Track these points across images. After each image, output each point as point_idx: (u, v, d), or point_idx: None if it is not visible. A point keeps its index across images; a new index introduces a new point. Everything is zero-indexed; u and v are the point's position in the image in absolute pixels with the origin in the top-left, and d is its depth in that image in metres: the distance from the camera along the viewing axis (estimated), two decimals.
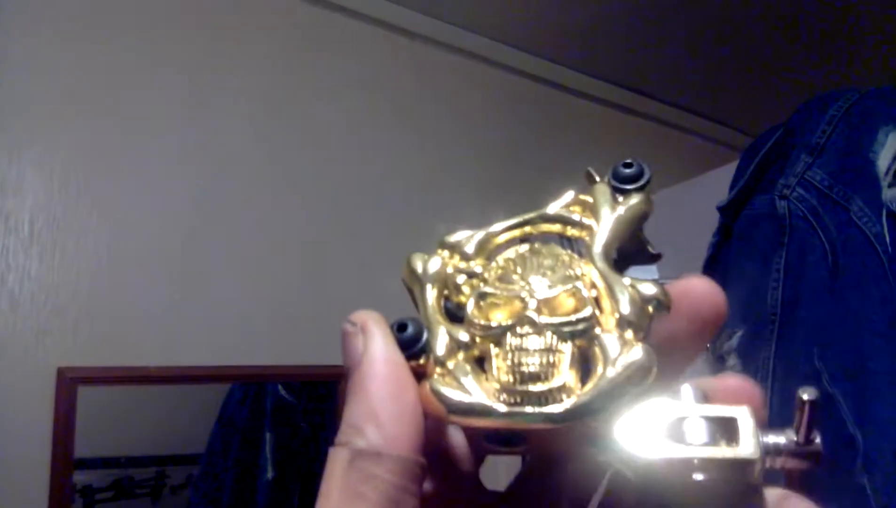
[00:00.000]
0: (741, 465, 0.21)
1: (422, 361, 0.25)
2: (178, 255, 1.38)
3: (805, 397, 0.21)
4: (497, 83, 1.94)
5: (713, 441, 0.21)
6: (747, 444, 0.21)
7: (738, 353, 0.82)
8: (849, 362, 0.66)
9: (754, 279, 0.84)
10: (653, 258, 0.28)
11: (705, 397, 0.23)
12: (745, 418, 0.22)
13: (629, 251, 0.27)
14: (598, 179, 0.28)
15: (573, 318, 0.24)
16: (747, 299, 0.84)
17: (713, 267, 0.95)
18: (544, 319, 0.24)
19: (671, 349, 0.24)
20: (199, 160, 1.44)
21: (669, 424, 0.22)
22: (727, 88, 2.16)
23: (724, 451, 0.21)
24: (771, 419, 0.24)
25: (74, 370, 1.20)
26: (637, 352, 0.22)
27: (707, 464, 0.21)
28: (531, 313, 0.24)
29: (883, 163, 0.77)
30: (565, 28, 1.89)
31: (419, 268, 0.27)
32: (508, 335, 0.24)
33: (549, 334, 0.23)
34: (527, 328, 0.24)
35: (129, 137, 1.36)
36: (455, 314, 0.26)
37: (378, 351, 0.24)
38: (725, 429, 0.22)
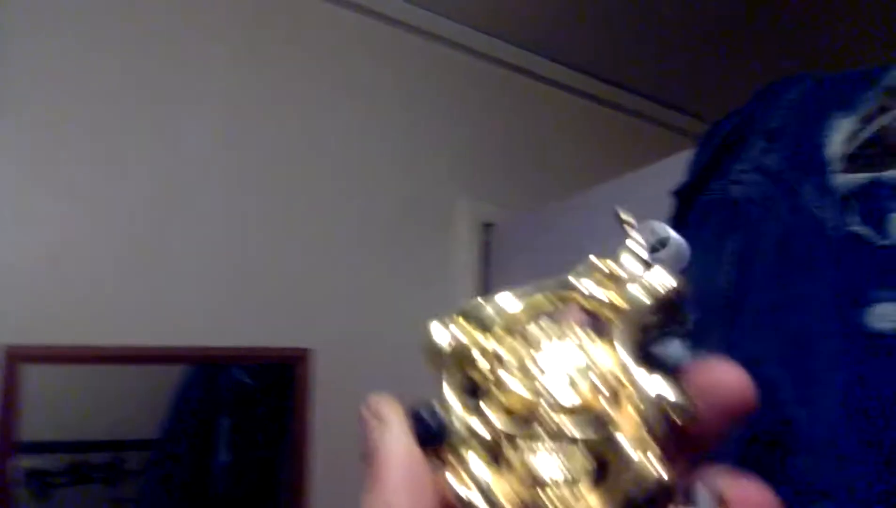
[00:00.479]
0: None
1: (439, 447, 0.25)
2: (134, 232, 1.36)
3: None
4: (461, 67, 1.93)
5: None
6: None
7: (692, 338, 0.82)
8: (795, 345, 0.67)
9: (707, 264, 0.84)
10: (683, 329, 0.26)
11: (720, 501, 0.22)
12: None
13: (661, 320, 0.26)
14: (626, 218, 0.27)
15: (590, 426, 0.23)
16: (700, 284, 0.84)
17: None
18: (560, 423, 0.23)
19: (692, 437, 0.23)
20: (155, 140, 1.41)
21: None
22: (693, 78, 2.17)
23: None
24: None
25: (21, 349, 1.17)
26: (660, 471, 0.21)
27: None
28: (546, 418, 0.23)
29: (834, 148, 0.77)
30: (532, 13, 1.88)
31: (439, 345, 0.27)
32: (523, 438, 0.24)
33: (564, 440, 0.23)
34: (542, 435, 0.23)
35: (85, 116, 1.34)
36: (474, 391, 0.26)
37: (394, 444, 0.25)
38: None
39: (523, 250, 1.72)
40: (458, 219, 1.77)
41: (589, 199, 1.56)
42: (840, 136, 0.78)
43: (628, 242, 0.26)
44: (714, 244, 0.85)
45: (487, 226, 1.79)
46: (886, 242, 0.66)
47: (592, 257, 0.26)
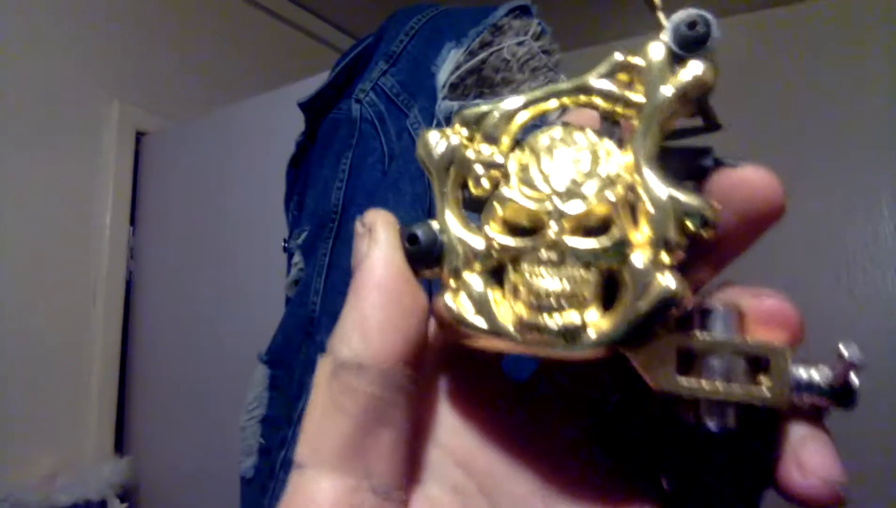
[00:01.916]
0: (764, 409, 0.20)
1: (435, 268, 0.23)
2: None
3: (847, 355, 0.19)
4: None
5: (739, 379, 0.20)
6: (776, 389, 0.19)
7: (302, 250, 0.83)
8: None
9: (326, 180, 0.85)
10: (712, 129, 0.23)
11: (740, 316, 0.20)
12: (778, 359, 0.20)
13: (689, 120, 0.22)
14: (658, 4, 0.22)
15: (602, 242, 0.20)
16: (318, 199, 0.86)
17: (297, 166, 0.95)
18: (569, 240, 0.21)
19: (715, 247, 0.21)
20: None
21: (696, 357, 0.20)
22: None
23: (748, 393, 0.19)
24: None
25: None
26: (669, 282, 0.19)
27: (725, 406, 0.20)
28: (554, 234, 0.21)
29: (442, 76, 0.82)
30: None
31: (434, 151, 0.23)
32: (528, 256, 0.21)
33: (573, 259, 0.21)
34: (548, 252, 0.21)
35: None
36: (474, 204, 0.23)
37: (378, 257, 0.22)
38: (755, 365, 0.20)
39: (175, 162, 1.62)
40: (109, 124, 1.61)
41: (241, 111, 1.51)
42: (448, 65, 0.83)
43: (662, 34, 0.21)
44: (334, 161, 0.86)
45: (142, 135, 1.65)
46: None
47: (616, 54, 0.22)
